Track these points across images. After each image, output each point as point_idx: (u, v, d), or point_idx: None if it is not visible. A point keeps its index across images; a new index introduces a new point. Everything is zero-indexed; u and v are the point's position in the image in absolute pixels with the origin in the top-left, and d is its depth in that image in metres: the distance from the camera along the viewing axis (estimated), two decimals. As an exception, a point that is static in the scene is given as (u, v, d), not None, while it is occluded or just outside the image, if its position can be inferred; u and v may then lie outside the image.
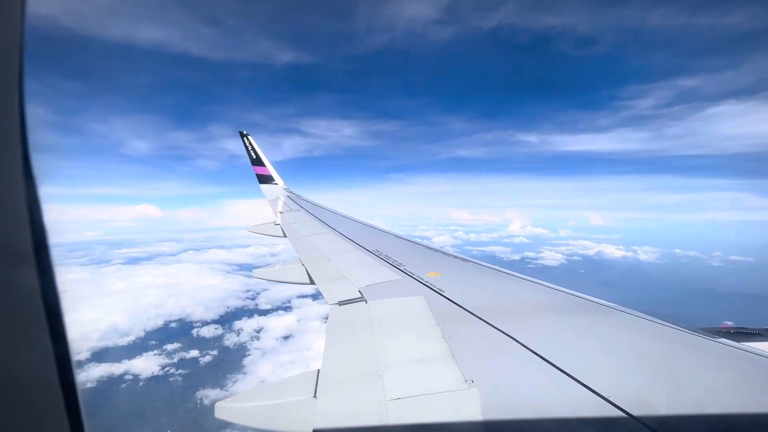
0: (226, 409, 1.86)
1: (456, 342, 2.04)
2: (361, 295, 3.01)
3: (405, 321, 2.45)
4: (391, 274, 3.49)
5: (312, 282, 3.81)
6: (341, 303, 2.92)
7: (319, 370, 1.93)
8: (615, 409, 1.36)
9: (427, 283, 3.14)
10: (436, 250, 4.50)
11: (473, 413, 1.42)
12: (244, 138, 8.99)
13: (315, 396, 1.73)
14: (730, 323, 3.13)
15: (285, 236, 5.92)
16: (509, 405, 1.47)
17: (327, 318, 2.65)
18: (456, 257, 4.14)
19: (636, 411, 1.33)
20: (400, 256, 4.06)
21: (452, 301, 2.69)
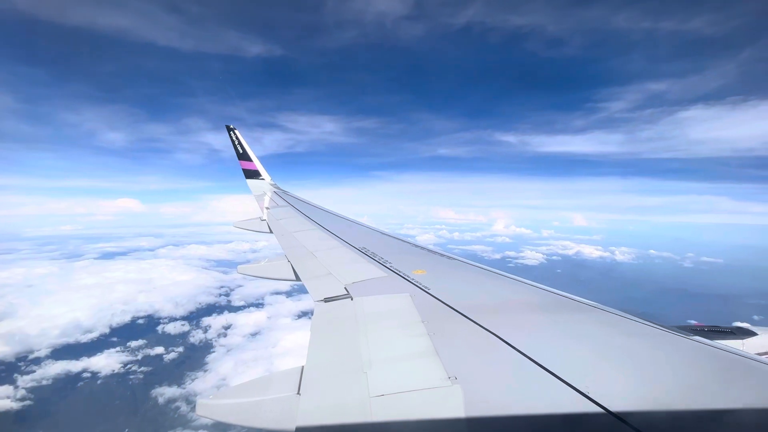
0: (207, 406, 1.81)
1: (440, 339, 2.06)
2: (346, 292, 2.99)
3: (390, 318, 2.45)
4: (378, 272, 3.48)
5: (297, 278, 3.76)
6: (327, 300, 2.89)
7: (303, 366, 1.91)
8: (594, 405, 1.38)
9: (413, 281, 3.15)
10: (422, 248, 4.52)
11: (456, 410, 1.43)
12: (231, 132, 8.77)
13: (299, 393, 1.70)
14: (693, 322, 3.32)
15: (271, 232, 5.82)
16: (491, 401, 1.49)
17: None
18: (442, 255, 4.17)
19: (614, 407, 1.36)
20: (387, 254, 4.06)
21: (437, 299, 2.71)
